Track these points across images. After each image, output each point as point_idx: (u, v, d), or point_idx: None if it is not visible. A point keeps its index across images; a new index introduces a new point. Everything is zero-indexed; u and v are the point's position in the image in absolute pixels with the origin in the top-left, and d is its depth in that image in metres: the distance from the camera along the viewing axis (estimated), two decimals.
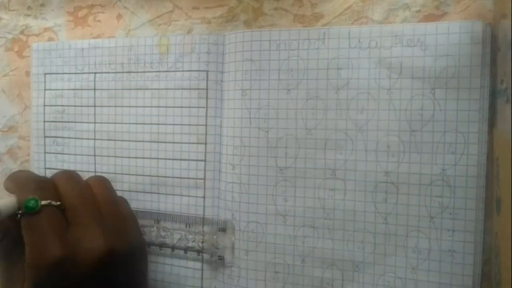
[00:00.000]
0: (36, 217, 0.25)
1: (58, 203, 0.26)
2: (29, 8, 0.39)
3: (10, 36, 0.40)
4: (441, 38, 0.28)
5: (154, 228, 0.34)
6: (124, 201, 0.32)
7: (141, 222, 0.34)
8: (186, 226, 0.34)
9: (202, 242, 0.33)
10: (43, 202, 0.26)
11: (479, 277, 0.27)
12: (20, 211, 0.25)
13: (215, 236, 0.33)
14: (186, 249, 0.34)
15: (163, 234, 0.34)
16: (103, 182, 0.30)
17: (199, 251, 0.33)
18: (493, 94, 0.27)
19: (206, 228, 0.33)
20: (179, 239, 0.34)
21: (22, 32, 0.40)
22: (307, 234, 0.31)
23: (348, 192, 0.30)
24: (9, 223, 0.26)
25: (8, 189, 0.28)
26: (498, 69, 0.27)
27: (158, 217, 0.34)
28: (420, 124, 0.28)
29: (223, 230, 0.33)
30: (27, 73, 0.39)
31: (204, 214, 0.33)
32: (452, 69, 0.27)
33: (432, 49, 0.28)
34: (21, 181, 0.28)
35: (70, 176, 0.29)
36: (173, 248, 0.34)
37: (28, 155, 0.39)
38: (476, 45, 0.27)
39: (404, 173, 0.29)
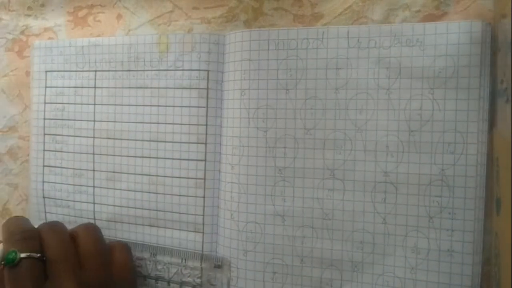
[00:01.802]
0: (16, 270, 0.26)
1: (38, 255, 0.27)
2: (29, 8, 0.40)
3: (10, 37, 0.40)
4: (440, 38, 0.28)
5: (151, 261, 0.34)
6: (119, 249, 0.32)
7: (137, 255, 0.35)
8: (182, 261, 0.34)
9: (199, 278, 0.33)
10: (23, 255, 0.27)
11: (479, 277, 0.27)
12: (3, 262, 0.27)
13: (210, 273, 0.33)
14: (182, 284, 0.34)
15: (159, 267, 0.34)
16: (90, 232, 0.31)
17: (195, 287, 0.33)
18: (493, 94, 0.27)
19: (202, 264, 0.33)
20: (175, 273, 0.34)
21: (22, 33, 0.40)
22: (306, 234, 0.31)
23: (347, 192, 0.30)
24: None
25: (1, 236, 0.29)
26: (498, 69, 0.27)
27: (154, 250, 0.34)
28: (419, 124, 0.28)
29: (219, 266, 0.33)
30: (27, 73, 0.39)
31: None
32: (451, 69, 0.27)
33: (431, 49, 0.28)
34: (10, 230, 0.29)
35: (54, 228, 0.30)
36: (169, 282, 0.34)
37: (28, 155, 0.39)
38: (475, 45, 0.27)
39: (403, 173, 0.29)
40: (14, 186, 0.40)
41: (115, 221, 0.36)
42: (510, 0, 0.23)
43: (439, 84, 0.28)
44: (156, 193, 0.34)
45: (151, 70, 0.34)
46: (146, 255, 0.35)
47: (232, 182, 0.32)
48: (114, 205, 0.36)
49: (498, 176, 0.26)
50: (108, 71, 0.36)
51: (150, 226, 0.35)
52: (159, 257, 0.34)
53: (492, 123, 0.27)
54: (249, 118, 0.32)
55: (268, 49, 0.31)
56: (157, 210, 0.34)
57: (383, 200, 0.29)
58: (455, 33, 0.27)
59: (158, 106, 0.34)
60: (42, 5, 0.39)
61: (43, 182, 0.38)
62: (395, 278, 0.29)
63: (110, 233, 0.36)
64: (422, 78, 0.28)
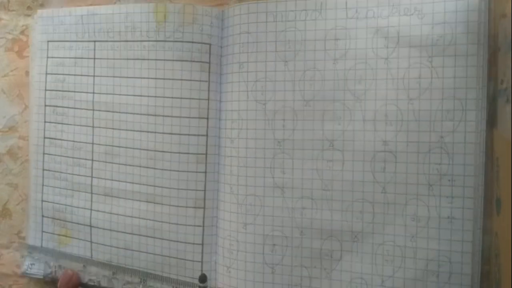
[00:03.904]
0: None
1: None
2: (29, 8, 0.39)
3: (10, 37, 0.40)
4: (438, 6, 0.28)
5: (141, 286, 0.34)
6: None
7: (127, 279, 0.35)
8: None
9: None
10: None
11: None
12: None
13: None
14: None
15: None
16: None
17: None
18: (493, 94, 0.27)
19: None
20: None
21: (22, 33, 0.40)
22: (306, 205, 0.31)
23: (346, 163, 0.30)
24: None
25: None
26: (498, 69, 0.27)
27: (144, 276, 0.34)
28: (418, 92, 0.28)
29: None
30: (27, 73, 0.39)
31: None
32: (449, 37, 0.28)
33: (429, 17, 0.28)
34: None
35: None
36: None
37: (28, 155, 0.39)
38: (473, 12, 0.27)
39: (402, 141, 0.29)
40: (14, 186, 0.40)
41: (112, 196, 0.35)
42: (510, 0, 0.24)
43: (438, 52, 0.28)
44: (155, 168, 0.34)
45: (148, 41, 0.34)
46: (135, 280, 0.34)
47: (231, 156, 0.32)
48: (112, 180, 0.35)
49: (498, 176, 0.26)
50: (107, 41, 0.35)
51: (148, 202, 0.34)
52: (150, 283, 0.34)
53: (492, 123, 0.27)
54: (247, 91, 0.32)
55: (266, 21, 0.31)
56: (155, 186, 0.34)
57: (382, 169, 0.29)
58: (452, 1, 0.27)
59: (156, 79, 0.34)
60: (42, 5, 0.39)
61: (44, 154, 0.38)
62: (395, 247, 0.29)
63: (106, 208, 0.36)
64: (420, 47, 0.28)
